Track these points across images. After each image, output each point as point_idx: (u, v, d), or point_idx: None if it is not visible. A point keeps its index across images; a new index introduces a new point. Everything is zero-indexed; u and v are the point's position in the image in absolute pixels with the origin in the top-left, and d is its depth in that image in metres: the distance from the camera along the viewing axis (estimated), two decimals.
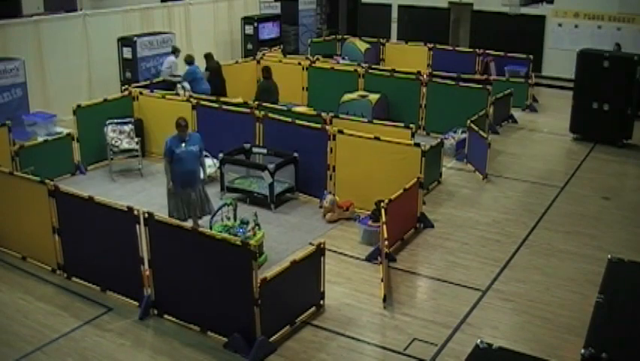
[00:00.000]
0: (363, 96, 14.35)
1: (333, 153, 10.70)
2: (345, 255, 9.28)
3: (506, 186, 11.91)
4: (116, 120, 12.19)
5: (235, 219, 9.14)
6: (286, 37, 21.33)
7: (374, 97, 14.24)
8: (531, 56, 17.59)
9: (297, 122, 11.22)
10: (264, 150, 11.23)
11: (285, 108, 12.54)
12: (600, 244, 9.65)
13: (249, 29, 19.82)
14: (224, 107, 12.21)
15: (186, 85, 14.14)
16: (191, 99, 12.55)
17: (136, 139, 12.20)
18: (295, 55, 19.38)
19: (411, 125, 11.26)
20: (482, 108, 13.61)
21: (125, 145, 12.06)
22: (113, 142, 11.97)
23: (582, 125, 14.40)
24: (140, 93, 12.94)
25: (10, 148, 11.00)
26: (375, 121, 11.79)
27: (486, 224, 10.31)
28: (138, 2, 17.99)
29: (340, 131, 10.65)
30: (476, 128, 12.51)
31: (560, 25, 19.63)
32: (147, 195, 11.19)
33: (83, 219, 8.25)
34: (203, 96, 13.15)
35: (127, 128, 12.24)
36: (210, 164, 11.69)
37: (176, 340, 7.37)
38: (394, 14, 22.29)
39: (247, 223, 8.92)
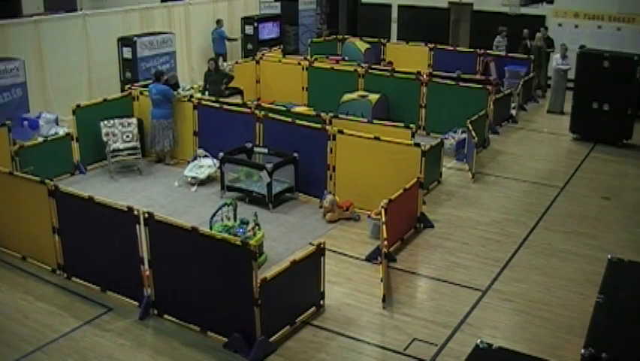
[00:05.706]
0: (363, 96, 14.34)
1: (333, 153, 10.70)
2: (345, 255, 9.28)
3: (506, 186, 11.91)
4: (117, 120, 12.19)
5: (235, 219, 9.14)
6: (286, 37, 21.30)
7: (374, 97, 14.22)
8: (532, 56, 17.58)
9: (297, 122, 11.22)
10: (265, 150, 11.23)
11: (284, 108, 12.54)
12: (600, 244, 9.64)
13: (249, 29, 19.82)
14: (225, 107, 12.21)
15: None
16: (193, 99, 12.56)
17: (135, 138, 12.21)
18: (295, 55, 19.36)
19: (411, 126, 11.27)
20: (482, 108, 13.62)
21: (119, 145, 12.04)
22: (111, 141, 11.96)
23: (582, 125, 14.40)
24: (141, 93, 12.93)
25: (10, 148, 11.00)
26: (375, 121, 11.79)
27: (486, 224, 10.30)
28: (138, 2, 17.98)
29: (340, 132, 10.64)
30: (470, 128, 12.50)
31: (560, 25, 19.62)
32: (147, 195, 11.19)
33: (83, 219, 8.25)
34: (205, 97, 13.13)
35: (122, 128, 12.20)
36: (210, 164, 11.69)
37: (176, 340, 7.37)
38: (394, 14, 22.27)
39: (247, 223, 8.91)
